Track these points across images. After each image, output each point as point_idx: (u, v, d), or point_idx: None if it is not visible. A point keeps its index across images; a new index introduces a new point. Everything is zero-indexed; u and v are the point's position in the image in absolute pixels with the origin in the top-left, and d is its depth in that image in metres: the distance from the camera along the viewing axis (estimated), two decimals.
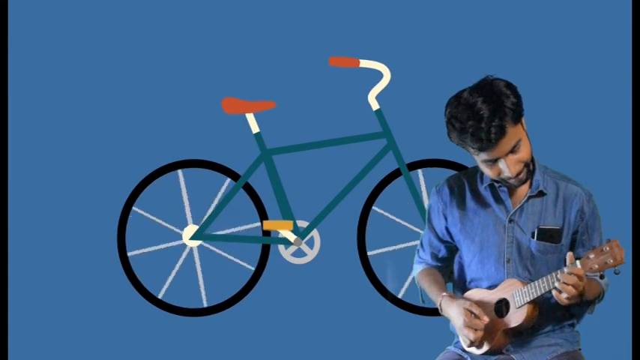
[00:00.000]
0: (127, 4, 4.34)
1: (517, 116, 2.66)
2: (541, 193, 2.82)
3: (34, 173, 4.33)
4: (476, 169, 2.92)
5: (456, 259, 2.98)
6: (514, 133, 2.66)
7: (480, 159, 2.71)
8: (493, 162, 2.70)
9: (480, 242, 2.86)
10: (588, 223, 2.82)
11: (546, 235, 2.80)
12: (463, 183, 2.92)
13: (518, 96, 2.68)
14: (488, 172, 2.74)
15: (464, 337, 2.80)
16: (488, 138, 2.62)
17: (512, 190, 2.84)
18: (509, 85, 2.68)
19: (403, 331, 4.15)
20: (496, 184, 2.83)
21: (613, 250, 2.54)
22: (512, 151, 2.69)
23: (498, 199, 2.84)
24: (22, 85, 4.32)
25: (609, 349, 3.71)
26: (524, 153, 2.71)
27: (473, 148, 2.66)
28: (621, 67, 4.10)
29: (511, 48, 4.16)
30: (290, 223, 4.19)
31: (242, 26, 4.33)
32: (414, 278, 3.11)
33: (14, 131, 4.29)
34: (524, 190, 2.83)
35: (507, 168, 2.69)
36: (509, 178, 2.72)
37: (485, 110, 2.61)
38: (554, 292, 2.63)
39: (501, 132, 2.63)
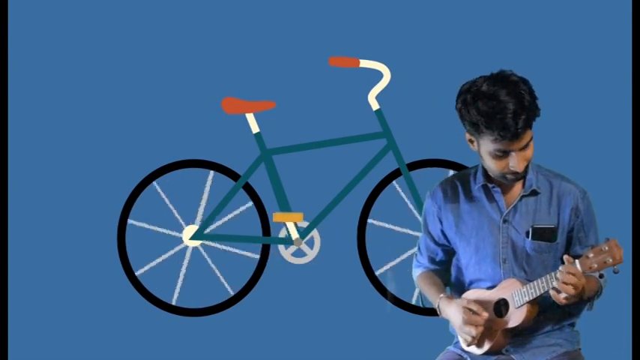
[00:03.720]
0: (126, 4, 4.35)
1: (537, 114, 2.67)
2: (534, 192, 2.81)
3: (34, 174, 4.34)
4: (468, 171, 2.92)
5: (454, 261, 2.98)
6: (530, 131, 2.67)
7: (491, 149, 2.68)
8: (503, 154, 2.68)
9: (476, 244, 2.86)
10: (584, 221, 2.81)
11: (541, 235, 2.79)
12: (456, 185, 2.92)
13: (534, 94, 2.68)
14: (493, 164, 2.71)
15: (464, 335, 2.79)
16: (515, 128, 2.61)
17: (505, 190, 2.83)
18: (527, 82, 2.68)
19: (403, 331, 4.16)
20: (489, 185, 2.83)
21: (612, 250, 2.53)
22: (524, 147, 2.69)
23: (492, 200, 2.84)
24: (22, 85, 4.32)
25: (609, 349, 3.71)
26: (530, 152, 2.71)
27: (495, 135, 2.63)
28: (621, 67, 4.10)
29: (511, 48, 4.16)
30: (300, 215, 4.21)
31: (242, 26, 4.33)
32: (414, 275, 3.12)
33: (14, 132, 4.29)
34: (517, 190, 2.82)
35: (517, 163, 2.68)
36: (515, 173, 2.71)
37: (512, 102, 2.61)
38: (552, 292, 2.63)
39: (527, 124, 2.63)
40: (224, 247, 4.31)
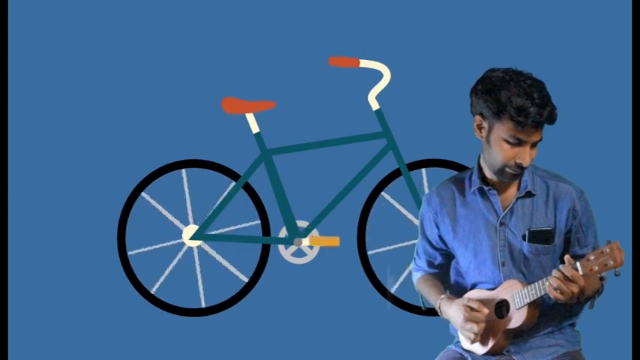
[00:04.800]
0: (126, 4, 4.34)
1: (556, 113, 2.68)
2: (529, 194, 2.81)
3: (34, 173, 4.33)
4: (463, 174, 2.92)
5: (453, 264, 2.99)
6: (542, 131, 2.69)
7: (506, 135, 2.67)
8: (517, 143, 2.68)
9: (474, 248, 2.86)
10: (582, 221, 2.81)
11: (538, 237, 2.79)
12: (452, 190, 2.92)
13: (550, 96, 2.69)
14: (501, 153, 2.71)
15: (466, 333, 2.78)
16: (540, 117, 2.63)
17: (501, 193, 2.83)
18: (544, 84, 2.69)
19: (403, 331, 4.17)
20: (485, 187, 2.82)
21: (613, 252, 2.52)
22: (535, 144, 2.70)
23: (488, 203, 2.84)
24: (22, 85, 4.32)
25: (610, 349, 3.71)
26: (535, 152, 2.72)
27: (520, 118, 2.63)
28: (621, 67, 4.10)
29: (511, 48, 4.15)
30: (337, 238, 4.22)
31: (242, 26, 4.33)
32: (413, 279, 3.12)
33: (14, 131, 4.29)
34: (512, 192, 2.82)
35: (525, 157, 2.69)
36: (518, 167, 2.71)
37: (535, 94, 2.63)
38: (548, 289, 2.62)
39: (551, 118, 2.66)
40: (219, 257, 4.33)
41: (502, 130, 2.68)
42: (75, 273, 4.31)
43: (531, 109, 2.62)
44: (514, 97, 2.63)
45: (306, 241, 4.24)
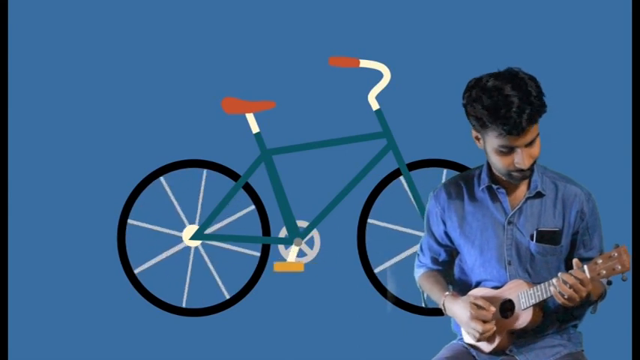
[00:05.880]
0: (126, 4, 4.34)
1: (543, 110, 2.66)
2: (539, 194, 2.81)
3: (34, 174, 4.33)
4: (472, 172, 2.92)
5: (457, 262, 2.98)
6: (536, 127, 2.67)
7: (495, 145, 2.67)
8: (508, 151, 2.67)
9: (480, 246, 2.86)
10: (588, 224, 2.81)
11: (546, 237, 2.79)
12: (460, 187, 2.91)
13: (541, 91, 2.67)
14: (499, 162, 2.71)
15: (471, 332, 2.78)
16: (519, 122, 2.60)
17: (510, 192, 2.83)
18: (534, 79, 2.68)
19: (403, 331, 4.17)
20: (494, 186, 2.83)
21: (621, 257, 2.52)
22: (530, 144, 2.68)
23: (496, 201, 2.83)
24: (22, 86, 4.31)
25: (611, 350, 3.72)
26: (537, 149, 2.70)
27: (499, 130, 2.62)
28: (621, 67, 4.11)
29: (511, 48, 4.15)
30: (301, 264, 4.23)
31: (242, 26, 4.33)
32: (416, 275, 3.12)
33: (14, 131, 4.28)
34: (522, 192, 2.82)
35: (522, 159, 2.67)
36: (520, 170, 2.71)
37: (517, 97, 2.60)
38: (554, 293, 2.62)
39: (532, 119, 2.62)
40: (225, 246, 4.32)
41: (491, 140, 2.68)
42: (74, 272, 4.31)
43: (511, 116, 2.60)
44: (489, 109, 2.62)
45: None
